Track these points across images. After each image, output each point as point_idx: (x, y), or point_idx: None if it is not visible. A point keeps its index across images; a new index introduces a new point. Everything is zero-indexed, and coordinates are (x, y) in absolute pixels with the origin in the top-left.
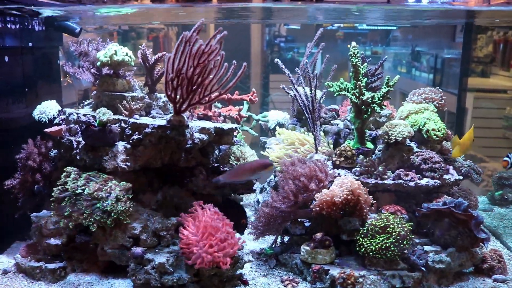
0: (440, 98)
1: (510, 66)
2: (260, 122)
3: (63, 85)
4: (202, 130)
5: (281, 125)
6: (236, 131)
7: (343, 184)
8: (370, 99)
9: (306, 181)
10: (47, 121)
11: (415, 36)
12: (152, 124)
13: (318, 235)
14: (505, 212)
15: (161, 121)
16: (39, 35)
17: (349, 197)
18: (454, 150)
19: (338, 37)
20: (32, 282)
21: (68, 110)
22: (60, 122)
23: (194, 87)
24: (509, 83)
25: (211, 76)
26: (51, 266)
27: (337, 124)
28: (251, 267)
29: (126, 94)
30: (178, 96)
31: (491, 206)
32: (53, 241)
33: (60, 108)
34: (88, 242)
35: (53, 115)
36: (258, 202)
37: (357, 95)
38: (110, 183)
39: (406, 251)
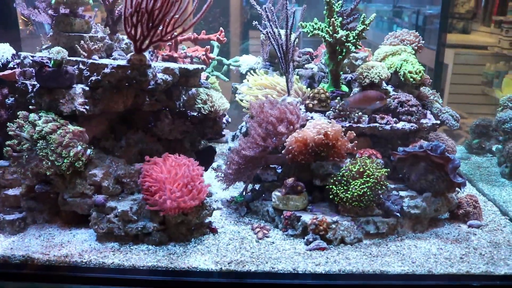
0: (418, 41)
1: (492, 22)
2: (231, 67)
3: (26, 34)
4: (166, 71)
5: (253, 70)
6: (205, 75)
7: (316, 125)
8: (345, 37)
9: (276, 123)
10: (1, 65)
11: None
12: (111, 64)
13: (290, 180)
14: (482, 161)
15: (122, 61)
16: None
17: (323, 138)
18: None
19: None
20: None
21: (23, 54)
22: (15, 66)
23: (156, 23)
24: (490, 39)
25: (173, 13)
26: (9, 217)
27: (312, 68)
28: (221, 215)
29: (85, 35)
30: (138, 34)
31: (468, 155)
32: (11, 191)
33: (14, 52)
34: (48, 192)
35: (7, 58)
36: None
37: (331, 33)
38: (65, 127)
39: (381, 197)
